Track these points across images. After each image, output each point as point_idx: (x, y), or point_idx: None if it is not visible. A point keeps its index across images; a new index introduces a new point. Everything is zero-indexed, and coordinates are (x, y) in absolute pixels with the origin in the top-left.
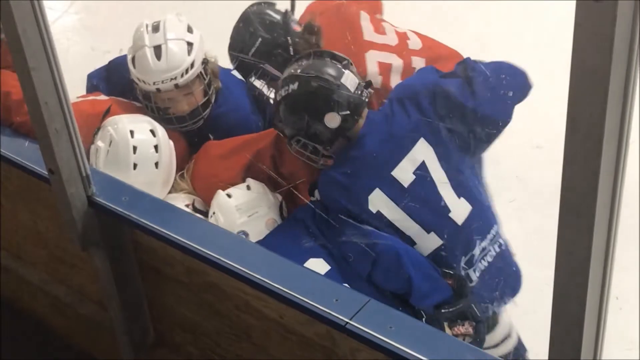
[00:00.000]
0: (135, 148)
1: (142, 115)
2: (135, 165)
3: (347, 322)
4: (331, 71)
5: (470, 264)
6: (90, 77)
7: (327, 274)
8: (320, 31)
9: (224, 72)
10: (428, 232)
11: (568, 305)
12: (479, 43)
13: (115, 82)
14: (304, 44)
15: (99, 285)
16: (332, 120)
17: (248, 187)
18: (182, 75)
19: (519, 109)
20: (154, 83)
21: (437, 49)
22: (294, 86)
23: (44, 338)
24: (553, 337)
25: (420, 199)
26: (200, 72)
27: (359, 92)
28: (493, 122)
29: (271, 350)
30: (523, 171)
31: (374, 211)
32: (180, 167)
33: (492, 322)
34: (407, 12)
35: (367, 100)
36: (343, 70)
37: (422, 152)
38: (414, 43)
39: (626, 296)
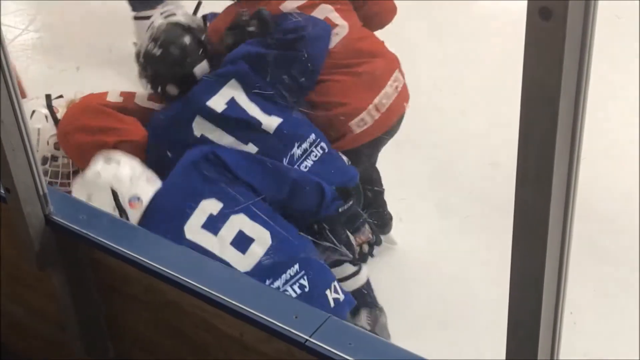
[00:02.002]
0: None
1: None
2: None
3: (307, 340)
4: (190, 55)
5: (291, 162)
6: None
7: (221, 212)
8: None
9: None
10: (246, 143)
11: (523, 319)
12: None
13: None
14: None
15: (57, 305)
16: (171, 90)
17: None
18: None
19: (476, 126)
20: None
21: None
22: (157, 50)
23: (2, 359)
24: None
25: (233, 119)
26: None
27: None
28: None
29: None
30: (479, 188)
31: (199, 135)
32: None
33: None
34: None
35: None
36: (202, 58)
37: (233, 89)
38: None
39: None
